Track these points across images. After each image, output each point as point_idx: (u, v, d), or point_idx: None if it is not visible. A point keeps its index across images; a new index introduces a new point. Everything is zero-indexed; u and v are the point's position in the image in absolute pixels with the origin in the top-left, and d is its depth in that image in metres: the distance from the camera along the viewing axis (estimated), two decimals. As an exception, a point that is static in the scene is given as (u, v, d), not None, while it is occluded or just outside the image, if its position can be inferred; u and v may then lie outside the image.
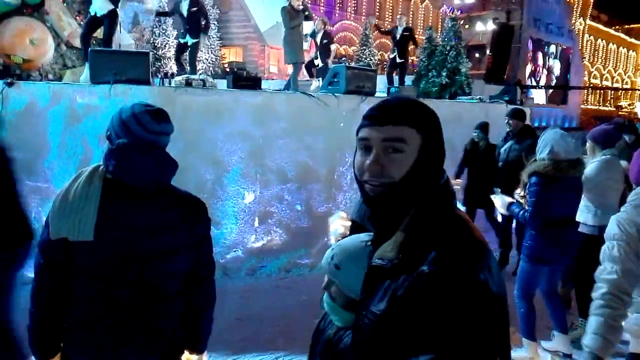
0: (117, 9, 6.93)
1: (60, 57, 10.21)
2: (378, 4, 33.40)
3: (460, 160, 6.10)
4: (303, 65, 9.53)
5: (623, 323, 1.96)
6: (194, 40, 8.55)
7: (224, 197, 5.37)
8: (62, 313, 1.69)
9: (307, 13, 9.43)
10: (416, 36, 11.26)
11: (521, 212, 3.50)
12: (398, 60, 10.87)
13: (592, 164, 3.94)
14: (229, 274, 5.26)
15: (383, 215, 1.06)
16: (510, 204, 3.63)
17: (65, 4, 10.21)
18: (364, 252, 1.18)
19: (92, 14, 7.17)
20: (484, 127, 5.96)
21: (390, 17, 33.48)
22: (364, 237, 1.25)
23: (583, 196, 3.84)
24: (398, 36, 10.75)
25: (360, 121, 1.10)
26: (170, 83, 8.05)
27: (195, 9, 8.43)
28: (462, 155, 6.09)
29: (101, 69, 4.76)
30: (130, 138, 1.64)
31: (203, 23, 8.60)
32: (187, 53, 8.80)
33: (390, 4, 34.13)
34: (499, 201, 3.71)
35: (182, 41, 8.77)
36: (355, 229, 2.77)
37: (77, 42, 10.09)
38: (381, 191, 1.02)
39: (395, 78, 11.08)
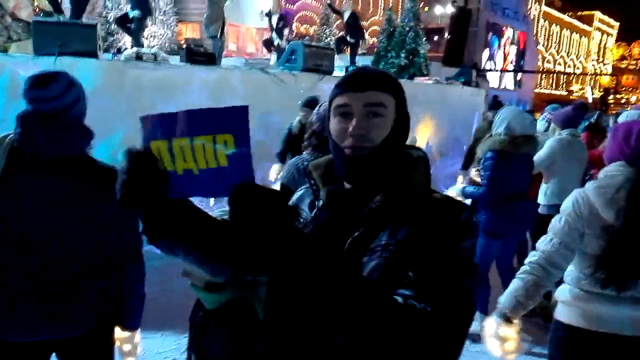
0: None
1: (5, 30, 9.70)
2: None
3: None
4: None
5: (542, 292, 2.03)
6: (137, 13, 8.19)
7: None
8: None
9: None
10: (376, 17, 11.34)
11: (475, 189, 3.57)
12: (349, 39, 10.94)
13: (545, 144, 4.04)
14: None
15: (364, 175, 1.08)
16: (463, 188, 3.70)
17: (9, -26, 9.67)
18: None
19: None
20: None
21: (351, -3, 33.29)
22: (217, 215, 1.23)
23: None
24: (345, 19, 10.87)
25: (335, 89, 1.13)
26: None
27: None
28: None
29: (46, 40, 4.54)
30: (29, 106, 1.60)
31: None
32: (132, 27, 8.46)
33: (351, -16, 33.89)
34: (453, 192, 3.76)
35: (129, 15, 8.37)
36: (285, 193, 2.76)
37: (23, 14, 9.60)
38: (364, 154, 1.06)
39: (347, 58, 11.13)
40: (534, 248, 4.34)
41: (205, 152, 0.88)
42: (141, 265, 1.83)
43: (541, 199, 4.12)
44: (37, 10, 10.03)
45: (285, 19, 10.45)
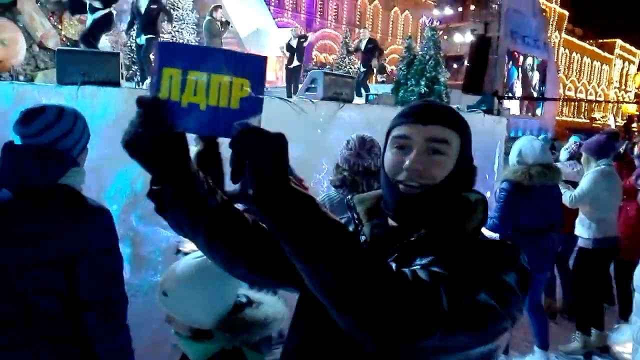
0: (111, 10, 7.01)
1: (33, 58, 9.96)
2: (359, 13, 33.59)
3: None
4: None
5: None
6: (149, 37, 8.36)
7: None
8: None
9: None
10: (396, 45, 11.53)
11: (490, 220, 3.44)
12: (362, 69, 11.06)
13: (586, 176, 3.94)
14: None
15: (414, 215, 1.00)
16: None
17: (38, 4, 9.97)
18: (196, 272, 1.07)
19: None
20: None
21: (371, 26, 33.71)
22: (195, 257, 1.13)
23: (580, 208, 3.84)
24: (363, 48, 10.92)
25: (396, 119, 1.05)
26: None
27: (154, 6, 8.27)
28: None
29: (69, 69, 4.57)
30: (17, 137, 1.60)
31: (165, 18, 8.46)
32: (141, 53, 8.64)
33: (371, 14, 34.36)
34: None
35: (138, 42, 8.54)
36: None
37: (50, 43, 9.86)
38: (418, 193, 0.98)
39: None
40: (569, 284, 4.14)
41: (221, 89, 0.88)
42: (110, 317, 1.59)
43: (583, 233, 3.99)
44: (64, 39, 10.28)
45: (305, 37, 10.70)
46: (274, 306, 1.29)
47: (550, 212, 3.52)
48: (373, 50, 11.13)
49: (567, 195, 3.89)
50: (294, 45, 10.59)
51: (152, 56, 8.67)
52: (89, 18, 7.54)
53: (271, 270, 1.07)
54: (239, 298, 1.32)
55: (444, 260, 0.89)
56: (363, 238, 1.06)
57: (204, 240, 1.01)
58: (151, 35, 8.27)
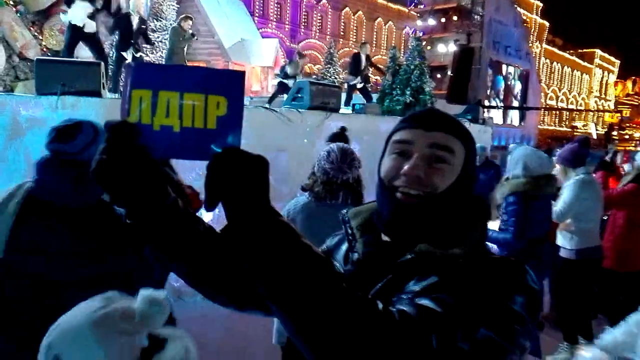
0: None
1: (12, 69, 9.78)
2: (342, 24, 33.79)
3: None
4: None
5: None
6: (139, 55, 8.49)
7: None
8: None
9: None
10: (380, 56, 11.55)
11: (502, 235, 3.28)
12: (359, 85, 10.96)
13: (567, 187, 3.85)
14: (184, 298, 4.97)
15: (408, 228, 0.91)
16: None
17: (18, 14, 9.81)
18: (93, 331, 0.95)
19: (73, 24, 6.97)
20: None
21: (355, 37, 33.91)
22: (85, 310, 1.01)
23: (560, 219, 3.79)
24: (363, 64, 10.86)
25: (398, 124, 0.98)
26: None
27: (144, 26, 8.52)
28: None
29: (48, 79, 4.47)
30: (50, 153, 1.57)
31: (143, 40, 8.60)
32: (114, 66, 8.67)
33: (355, 25, 34.59)
34: None
35: (123, 53, 8.50)
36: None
37: (30, 54, 9.70)
38: (418, 202, 0.89)
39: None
40: (556, 295, 4.09)
41: (195, 109, 0.81)
42: None
43: (565, 244, 3.92)
44: (44, 50, 10.11)
45: (302, 55, 10.70)
46: (182, 340, 1.14)
47: (547, 222, 3.49)
48: (369, 66, 11.21)
49: (554, 210, 3.82)
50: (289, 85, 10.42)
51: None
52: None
53: (262, 303, 0.97)
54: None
55: (439, 288, 0.80)
56: (355, 256, 0.98)
57: (185, 277, 0.93)
58: (140, 54, 8.41)
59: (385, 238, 0.96)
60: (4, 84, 9.52)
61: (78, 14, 7.04)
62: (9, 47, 9.49)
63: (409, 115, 1.00)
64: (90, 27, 7.09)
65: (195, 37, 9.91)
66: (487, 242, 2.88)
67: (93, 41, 7.41)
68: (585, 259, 3.88)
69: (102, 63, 5.09)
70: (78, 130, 1.57)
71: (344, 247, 1.04)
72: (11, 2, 9.65)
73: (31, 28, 10.02)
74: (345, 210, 1.05)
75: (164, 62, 9.58)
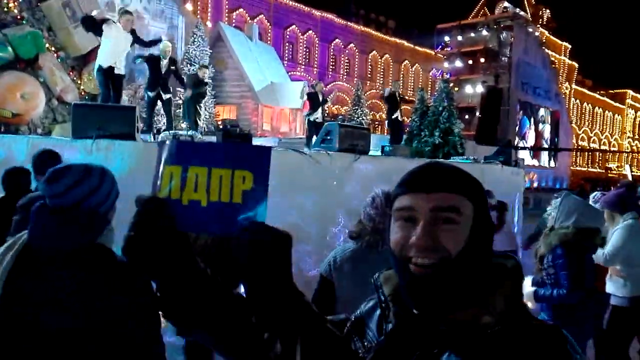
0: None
1: (51, 112, 10.16)
2: (370, 66, 34.32)
3: None
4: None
5: None
6: (168, 96, 8.71)
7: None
8: None
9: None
10: (407, 97, 11.72)
11: (554, 291, 3.09)
12: (395, 117, 11.24)
13: (615, 232, 3.77)
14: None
15: (431, 301, 0.85)
16: (534, 291, 3.20)
17: (59, 60, 10.26)
18: None
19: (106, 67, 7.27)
20: None
21: (382, 79, 34.34)
22: None
23: (610, 268, 3.66)
24: (398, 99, 11.26)
25: (396, 188, 0.93)
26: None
27: (173, 67, 8.69)
28: None
29: (84, 123, 4.59)
30: (43, 201, 1.57)
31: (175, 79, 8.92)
32: (163, 108, 8.99)
33: (382, 67, 35.09)
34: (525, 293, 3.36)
35: (150, 94, 8.74)
36: (323, 283, 2.56)
37: (69, 97, 10.08)
38: (433, 271, 0.84)
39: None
40: (602, 344, 3.85)
41: (222, 184, 0.85)
42: None
43: (617, 291, 3.78)
44: (82, 94, 10.50)
45: (324, 95, 11.05)
46: None
47: (594, 274, 3.31)
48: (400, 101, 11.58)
49: (600, 254, 3.68)
50: (320, 98, 10.97)
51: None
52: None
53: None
54: None
55: None
56: (389, 327, 0.92)
57: (212, 347, 0.91)
58: (169, 95, 8.63)
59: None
60: (43, 126, 9.87)
61: (106, 57, 7.34)
62: (49, 91, 9.88)
63: (406, 177, 0.93)
64: (119, 69, 7.36)
65: (207, 85, 10.57)
66: (535, 300, 2.70)
67: (120, 83, 7.67)
68: (637, 307, 3.74)
69: (137, 107, 5.21)
70: (66, 172, 1.57)
71: (378, 313, 0.98)
72: (53, 49, 10.11)
73: (70, 73, 10.45)
74: (377, 275, 0.99)
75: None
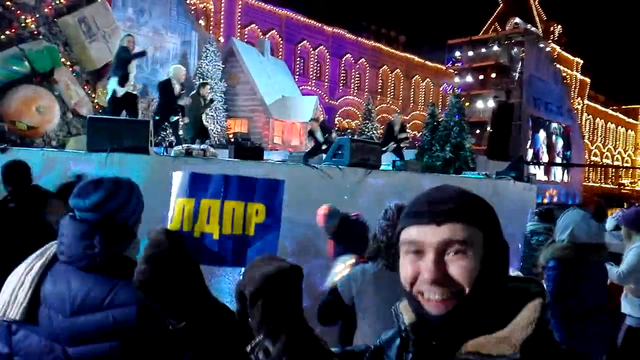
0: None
1: (66, 125, 10.28)
2: (380, 81, 34.44)
3: None
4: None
5: None
6: (176, 118, 8.77)
7: (219, 273, 5.06)
8: None
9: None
10: (417, 112, 11.67)
11: None
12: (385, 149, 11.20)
13: (631, 250, 3.69)
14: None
15: (451, 335, 0.83)
16: None
17: (74, 74, 10.41)
18: None
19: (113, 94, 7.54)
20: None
21: (393, 94, 34.41)
22: None
23: (625, 286, 3.59)
24: (396, 134, 11.23)
25: (404, 219, 0.90)
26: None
27: (184, 91, 8.77)
28: None
29: (99, 137, 4.63)
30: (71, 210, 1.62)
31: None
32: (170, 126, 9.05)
33: (392, 82, 35.19)
34: None
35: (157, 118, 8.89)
36: (336, 301, 2.51)
37: (83, 111, 10.20)
38: (452, 307, 0.81)
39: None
40: None
41: (234, 217, 0.85)
42: None
43: (633, 311, 3.71)
44: (97, 107, 10.62)
45: (328, 130, 11.01)
46: None
47: (599, 291, 3.26)
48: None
49: (614, 271, 3.63)
50: (320, 139, 10.76)
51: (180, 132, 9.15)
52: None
53: None
54: None
55: None
56: (409, 356, 0.89)
57: None
58: (177, 117, 8.71)
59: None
60: (57, 139, 9.98)
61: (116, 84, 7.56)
62: (64, 104, 10.00)
63: (414, 205, 0.89)
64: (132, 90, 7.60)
65: (215, 102, 10.51)
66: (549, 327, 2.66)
67: (132, 103, 7.83)
68: None
69: (150, 121, 5.26)
70: (97, 187, 1.60)
71: (397, 343, 0.95)
72: (68, 63, 10.26)
73: (85, 87, 10.58)
74: (397, 303, 0.96)
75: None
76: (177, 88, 8.61)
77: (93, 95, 10.79)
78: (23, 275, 1.55)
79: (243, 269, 0.82)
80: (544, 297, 0.87)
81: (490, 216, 0.88)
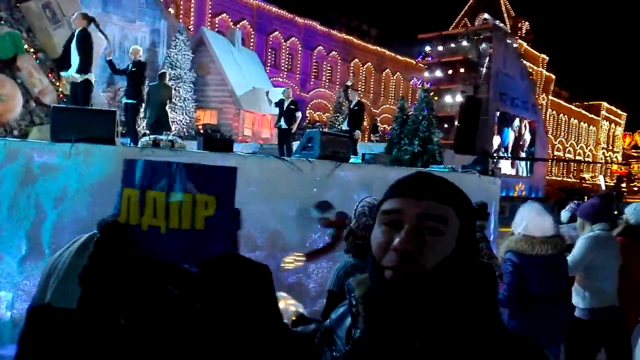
0: (90, 78, 7.22)
1: (28, 114, 9.96)
2: (351, 74, 34.54)
3: None
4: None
5: None
6: (130, 102, 8.57)
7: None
8: None
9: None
10: (388, 105, 11.74)
11: (500, 294, 3.25)
12: (345, 127, 11.24)
13: (578, 242, 3.76)
14: None
15: (407, 309, 0.84)
16: None
17: (37, 61, 10.10)
18: None
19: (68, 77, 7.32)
20: None
21: (364, 87, 34.56)
22: None
23: (575, 276, 3.69)
24: (352, 107, 11.23)
25: (387, 191, 0.92)
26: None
27: (135, 69, 8.53)
28: None
29: (63, 127, 4.52)
30: None
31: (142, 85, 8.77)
32: (127, 115, 8.76)
33: (364, 75, 35.33)
34: None
35: (124, 102, 8.78)
36: (333, 298, 2.55)
37: (47, 100, 9.91)
38: (407, 281, 0.82)
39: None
40: (568, 357, 3.91)
41: (182, 210, 0.78)
42: None
43: (579, 302, 3.78)
44: (61, 96, 10.34)
45: (296, 105, 10.89)
46: None
47: (558, 281, 3.38)
48: (358, 112, 11.39)
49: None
50: (284, 107, 10.81)
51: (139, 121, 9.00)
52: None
53: None
54: None
55: None
56: (357, 334, 0.89)
57: None
58: (132, 101, 8.55)
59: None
60: (19, 128, 9.68)
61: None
62: (27, 92, 9.71)
63: (398, 181, 0.92)
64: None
65: (174, 89, 10.55)
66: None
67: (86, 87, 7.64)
68: (598, 320, 3.72)
69: (117, 111, 5.17)
70: None
71: (348, 321, 0.94)
72: (32, 50, 9.95)
73: (49, 75, 10.28)
74: (350, 279, 0.97)
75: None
76: (129, 65, 8.53)
77: (57, 84, 10.49)
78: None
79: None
80: (494, 281, 0.91)
81: (469, 208, 0.90)
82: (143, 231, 0.77)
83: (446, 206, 0.85)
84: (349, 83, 11.90)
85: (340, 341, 0.93)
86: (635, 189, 51.85)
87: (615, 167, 53.62)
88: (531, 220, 3.30)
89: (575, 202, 5.11)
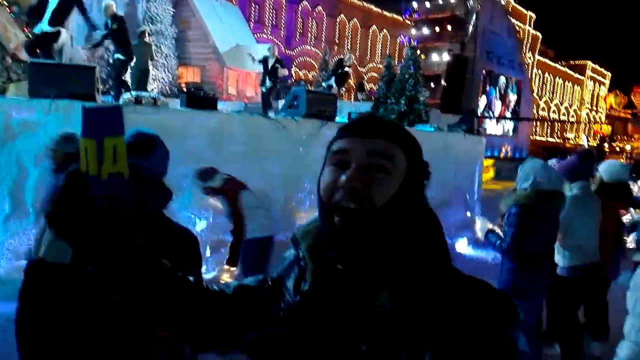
0: (63, 29, 6.95)
1: (5, 70, 9.67)
2: (338, 31, 33.88)
3: None
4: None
5: None
6: (119, 57, 8.38)
7: (173, 223, 5.04)
8: None
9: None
10: (374, 64, 11.73)
11: (498, 242, 3.31)
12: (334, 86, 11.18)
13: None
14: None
15: (357, 253, 0.83)
16: (491, 230, 3.43)
17: (12, 15, 9.72)
18: None
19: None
20: None
21: (350, 44, 34.01)
22: None
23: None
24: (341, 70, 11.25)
25: (336, 134, 0.91)
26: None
27: (115, 25, 8.26)
28: None
29: (42, 82, 4.40)
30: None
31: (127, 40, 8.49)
32: (113, 71, 8.72)
33: (350, 32, 34.70)
34: (480, 223, 3.54)
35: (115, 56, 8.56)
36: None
37: (23, 55, 9.60)
38: (356, 219, 0.81)
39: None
40: (549, 313, 4.01)
41: (116, 154, 0.82)
42: None
43: (559, 260, 3.87)
44: (38, 52, 10.02)
45: (280, 62, 10.72)
46: None
47: (554, 238, 3.44)
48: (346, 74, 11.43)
49: None
50: (269, 65, 10.65)
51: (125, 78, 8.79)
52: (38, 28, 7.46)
53: (217, 342, 1.01)
54: None
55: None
56: (306, 286, 0.88)
57: (147, 319, 0.94)
58: (122, 57, 8.33)
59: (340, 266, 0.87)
60: (-4, 85, 9.42)
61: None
62: (2, 48, 9.40)
63: (346, 123, 0.92)
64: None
65: (155, 45, 10.49)
66: (486, 238, 2.83)
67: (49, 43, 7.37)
68: (577, 277, 3.82)
69: (97, 67, 5.03)
70: (153, 148, 1.62)
71: (296, 272, 0.93)
72: (5, 3, 9.56)
73: (25, 29, 9.92)
74: (295, 229, 0.96)
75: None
76: (108, 23, 8.29)
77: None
78: None
79: None
80: (439, 226, 0.89)
81: (416, 147, 0.90)
82: (102, 180, 0.78)
83: (393, 144, 0.85)
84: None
85: (289, 293, 0.92)
86: (617, 149, 52.64)
87: (597, 127, 54.17)
88: (538, 174, 3.26)
89: (556, 159, 5.14)
